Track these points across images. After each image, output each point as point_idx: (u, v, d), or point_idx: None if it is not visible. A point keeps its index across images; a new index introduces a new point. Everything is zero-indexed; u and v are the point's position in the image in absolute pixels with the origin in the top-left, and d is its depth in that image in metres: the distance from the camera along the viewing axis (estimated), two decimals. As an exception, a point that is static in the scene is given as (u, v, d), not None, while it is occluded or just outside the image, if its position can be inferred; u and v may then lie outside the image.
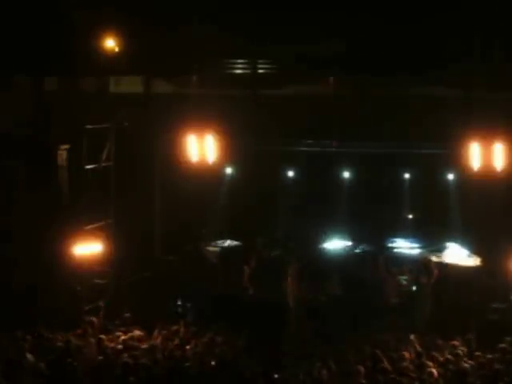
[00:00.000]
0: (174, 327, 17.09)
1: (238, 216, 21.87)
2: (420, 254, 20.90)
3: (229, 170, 22.30)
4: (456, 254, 20.57)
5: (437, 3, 18.40)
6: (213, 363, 14.81)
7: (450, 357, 15.19)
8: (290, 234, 22.04)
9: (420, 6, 18.40)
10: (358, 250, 21.42)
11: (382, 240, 21.52)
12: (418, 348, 15.91)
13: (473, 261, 20.17)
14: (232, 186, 22.27)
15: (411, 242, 21.58)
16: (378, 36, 18.76)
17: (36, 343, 15.63)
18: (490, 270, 19.50)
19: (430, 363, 14.74)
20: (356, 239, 21.77)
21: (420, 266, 19.51)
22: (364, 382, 14.02)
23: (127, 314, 17.67)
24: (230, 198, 22.27)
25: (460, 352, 15.47)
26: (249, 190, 21.73)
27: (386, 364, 14.61)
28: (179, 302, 20.02)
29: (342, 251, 21.48)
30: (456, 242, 20.97)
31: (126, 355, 14.81)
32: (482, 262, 19.98)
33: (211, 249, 21.43)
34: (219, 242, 21.80)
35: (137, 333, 16.56)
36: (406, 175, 21.93)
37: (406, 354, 15.41)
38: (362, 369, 14.33)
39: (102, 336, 16.13)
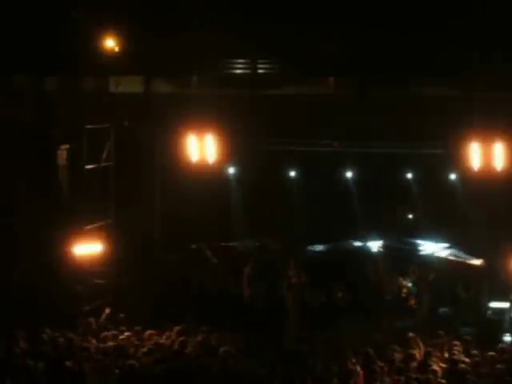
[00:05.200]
0: (175, 327, 17.06)
1: (238, 216, 21.85)
2: (420, 254, 20.88)
3: (228, 170, 22.27)
4: (457, 254, 20.57)
5: (437, 3, 18.42)
6: (213, 363, 14.79)
7: (450, 356, 15.19)
8: (291, 234, 22.02)
9: (419, 5, 18.42)
10: (358, 251, 21.40)
11: (382, 240, 21.49)
12: (419, 347, 15.90)
13: (473, 260, 20.16)
14: (232, 186, 22.25)
15: (412, 242, 21.54)
16: (378, 36, 18.76)
17: (37, 343, 15.62)
18: (490, 270, 19.50)
19: (432, 362, 14.72)
20: (356, 239, 21.74)
21: (419, 266, 19.53)
22: (364, 382, 14.03)
23: (121, 315, 17.62)
24: (230, 198, 22.25)
25: (460, 351, 15.46)
26: (249, 190, 21.71)
27: (386, 364, 14.61)
28: (179, 302, 20.01)
29: (343, 252, 21.46)
30: (457, 241, 20.96)
31: (125, 355, 14.81)
32: (482, 261, 19.97)
33: (212, 249, 21.41)
34: (219, 243, 21.77)
35: (136, 333, 16.55)
36: (407, 175, 21.92)
37: (407, 354, 15.41)
38: (361, 369, 14.33)
39: (102, 336, 16.13)
